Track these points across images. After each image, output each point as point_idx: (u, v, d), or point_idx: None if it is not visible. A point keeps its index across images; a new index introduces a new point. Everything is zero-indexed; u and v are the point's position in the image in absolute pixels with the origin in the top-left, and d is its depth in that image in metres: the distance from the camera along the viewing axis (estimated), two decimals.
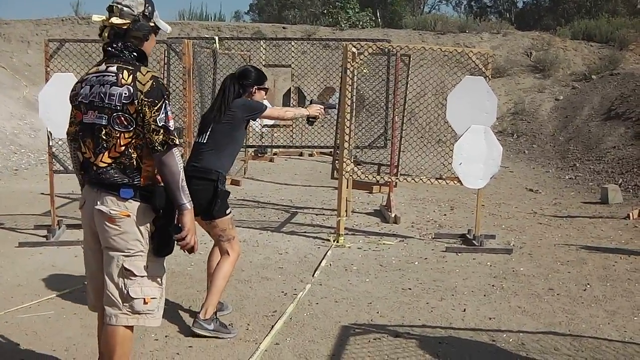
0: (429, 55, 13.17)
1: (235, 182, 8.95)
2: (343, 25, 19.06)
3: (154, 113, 2.49)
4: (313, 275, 4.95)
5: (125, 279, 2.54)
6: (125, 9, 2.57)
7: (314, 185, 9.30)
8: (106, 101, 2.50)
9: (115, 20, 2.56)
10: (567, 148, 12.32)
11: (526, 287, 4.83)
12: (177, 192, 2.53)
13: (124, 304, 2.56)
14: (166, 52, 8.30)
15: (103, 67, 2.57)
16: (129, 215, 2.51)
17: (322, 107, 4.13)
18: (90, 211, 2.58)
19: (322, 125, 9.90)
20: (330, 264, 5.30)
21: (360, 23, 19.61)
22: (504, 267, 5.37)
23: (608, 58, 15.26)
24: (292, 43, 11.58)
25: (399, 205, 7.65)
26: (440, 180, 6.02)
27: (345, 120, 5.94)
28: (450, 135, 9.95)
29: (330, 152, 10.27)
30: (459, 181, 5.78)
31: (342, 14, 19.80)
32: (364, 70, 8.35)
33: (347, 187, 6.33)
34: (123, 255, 2.53)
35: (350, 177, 6.14)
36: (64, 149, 6.07)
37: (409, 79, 8.70)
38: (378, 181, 7.62)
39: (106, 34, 2.58)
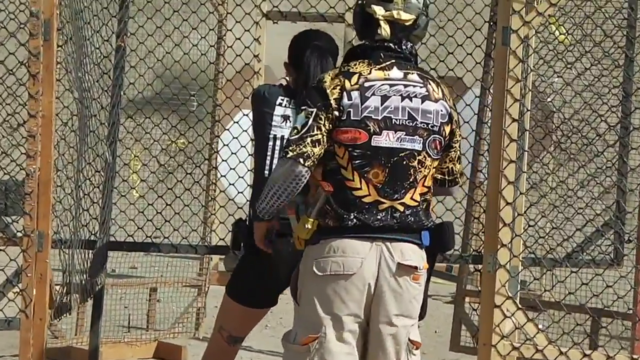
0: None
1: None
2: None
3: (459, 137, 2.88)
4: None
5: (409, 354, 2.70)
6: (413, 1, 2.81)
7: None
8: (419, 119, 2.71)
9: (403, 15, 2.78)
10: None
11: None
12: None
13: None
14: None
15: (398, 73, 2.73)
16: (426, 267, 2.83)
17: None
18: (372, 272, 2.66)
19: None
20: None
21: None
22: None
23: None
24: None
25: None
26: None
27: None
28: None
29: None
30: None
31: None
32: (561, 37, 5.04)
33: None
34: (412, 323, 2.72)
35: None
36: None
37: None
38: None
39: (388, 31, 2.77)
